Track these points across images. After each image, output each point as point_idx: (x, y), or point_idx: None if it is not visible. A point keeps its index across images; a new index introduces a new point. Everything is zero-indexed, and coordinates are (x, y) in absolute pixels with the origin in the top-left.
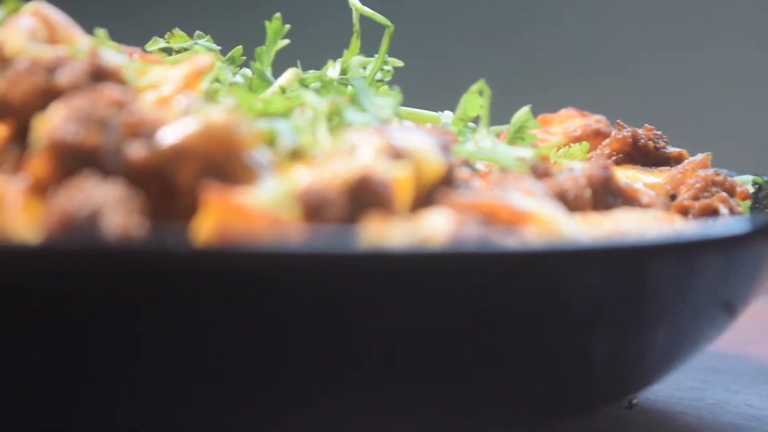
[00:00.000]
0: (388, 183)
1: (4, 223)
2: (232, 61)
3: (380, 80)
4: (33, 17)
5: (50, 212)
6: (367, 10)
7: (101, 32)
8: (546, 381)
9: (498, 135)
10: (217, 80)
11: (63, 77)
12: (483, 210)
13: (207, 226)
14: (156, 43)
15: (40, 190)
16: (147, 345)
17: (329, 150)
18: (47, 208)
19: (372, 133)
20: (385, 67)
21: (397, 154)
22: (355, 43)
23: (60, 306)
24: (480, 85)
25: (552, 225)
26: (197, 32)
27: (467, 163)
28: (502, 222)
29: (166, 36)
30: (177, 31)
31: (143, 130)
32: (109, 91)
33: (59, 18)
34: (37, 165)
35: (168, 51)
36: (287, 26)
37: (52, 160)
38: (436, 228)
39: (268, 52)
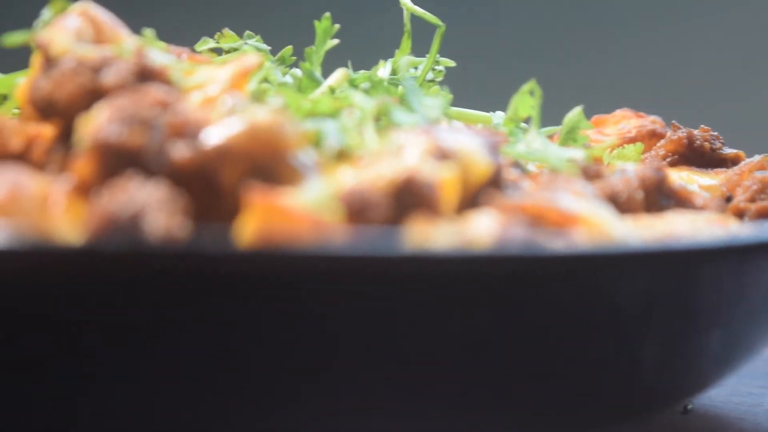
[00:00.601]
0: (433, 184)
1: (48, 223)
2: (282, 61)
3: (431, 80)
4: (80, 17)
5: (93, 213)
6: (418, 10)
7: (149, 32)
8: (595, 386)
9: (552, 136)
10: (266, 80)
11: (108, 77)
12: (530, 212)
13: (250, 227)
14: (206, 43)
15: (85, 190)
16: (189, 348)
17: (376, 151)
18: (90, 208)
19: (419, 133)
20: (437, 67)
21: (443, 155)
22: (406, 42)
23: (101, 307)
24: (531, 85)
25: (601, 227)
26: (247, 32)
27: (517, 165)
28: (551, 224)
29: (215, 36)
30: (227, 31)
31: (187, 131)
32: (154, 91)
33: (106, 18)
34: (81, 165)
35: (218, 51)
36: (336, 26)
37: (95, 160)
38: (481, 230)
39: (317, 52)
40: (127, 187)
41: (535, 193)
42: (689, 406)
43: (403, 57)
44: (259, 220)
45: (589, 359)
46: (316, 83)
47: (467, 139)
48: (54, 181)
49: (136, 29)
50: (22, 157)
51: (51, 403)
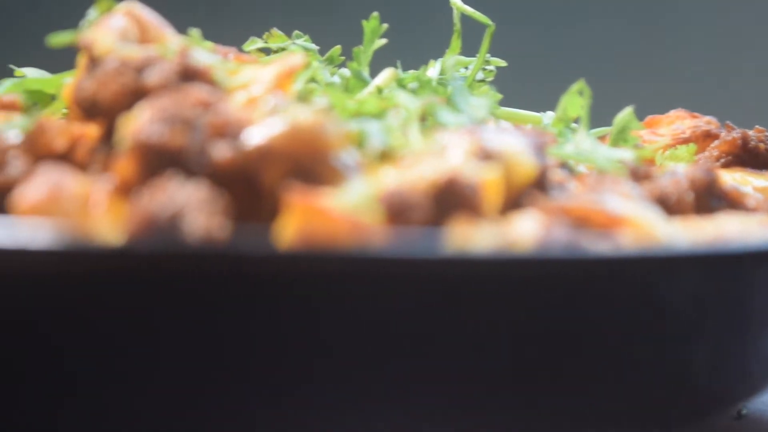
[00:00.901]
0: (475, 186)
1: (88, 223)
2: (330, 60)
3: (482, 80)
4: (125, 17)
5: (132, 213)
6: (468, 9)
7: (195, 32)
8: (645, 391)
9: (604, 137)
10: (313, 80)
11: (151, 77)
12: (576, 214)
13: (290, 228)
14: (254, 43)
15: (126, 190)
16: (227, 349)
17: (419, 151)
18: (130, 208)
19: (463, 134)
20: (488, 67)
21: (487, 156)
22: (456, 42)
23: (139, 309)
24: (580, 85)
25: (648, 229)
26: (295, 32)
27: (565, 166)
28: (596, 226)
29: (264, 36)
30: (275, 31)
31: (229, 131)
32: (196, 91)
33: (151, 17)
34: (123, 165)
35: (266, 51)
36: (385, 25)
37: (136, 160)
38: (523, 232)
39: (365, 52)
40: (167, 188)
41: (581, 195)
42: (743, 411)
43: (453, 57)
44: (299, 221)
45: (637, 364)
46: (364, 83)
47: (512, 139)
48: (95, 181)
49: (184, 29)
50: (66, 157)
51: (86, 403)
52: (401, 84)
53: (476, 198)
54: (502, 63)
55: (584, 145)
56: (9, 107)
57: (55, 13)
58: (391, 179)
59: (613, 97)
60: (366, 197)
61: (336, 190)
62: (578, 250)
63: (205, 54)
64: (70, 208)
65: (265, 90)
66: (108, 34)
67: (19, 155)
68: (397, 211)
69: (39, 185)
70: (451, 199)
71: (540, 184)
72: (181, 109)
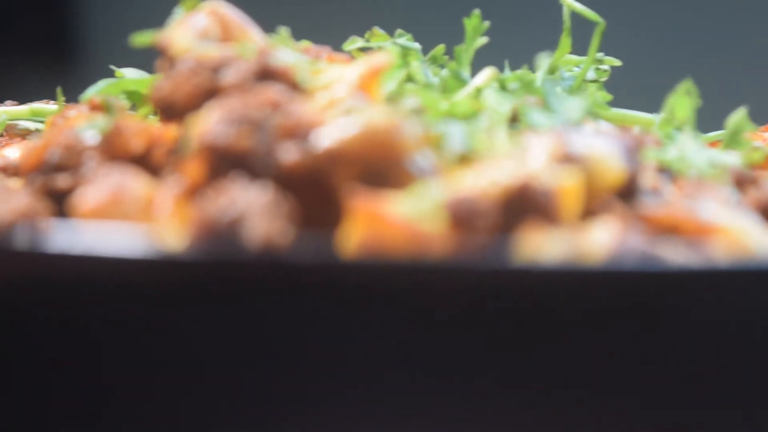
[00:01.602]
0: (550, 192)
1: (154, 227)
2: (433, 60)
3: (594, 80)
4: (208, 16)
5: (193, 217)
6: (578, 6)
7: (283, 31)
8: (732, 413)
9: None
10: (411, 80)
11: (227, 78)
12: (663, 222)
13: (355, 235)
14: (354, 42)
15: (193, 193)
16: (287, 360)
17: (498, 155)
18: (192, 212)
19: (548, 136)
20: (602, 67)
21: (570, 160)
22: (566, 40)
23: (192, 316)
24: (687, 85)
25: (741, 239)
26: (398, 30)
27: (665, 170)
28: (687, 235)
29: (365, 35)
30: (377, 30)
31: (298, 132)
32: (267, 92)
33: (235, 16)
34: (190, 168)
35: (367, 51)
36: (486, 23)
37: (203, 162)
38: (596, 242)
39: (466, 51)
40: (229, 191)
41: (674, 201)
42: None
43: (563, 56)
44: (362, 227)
45: (716, 381)
46: (462, 83)
47: (600, 143)
48: (163, 184)
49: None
50: (143, 158)
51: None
52: (503, 84)
53: (551, 205)
54: (617, 62)
55: (687, 148)
56: (100, 109)
57: (147, 13)
58: (460, 184)
59: (722, 100)
60: (431, 203)
61: (402, 194)
62: (652, 263)
63: (289, 54)
64: (132, 211)
65: (349, 90)
66: (186, 33)
67: (95, 157)
68: (462, 218)
69: (100, 188)
70: (523, 206)
71: (629, 190)
72: (249, 110)
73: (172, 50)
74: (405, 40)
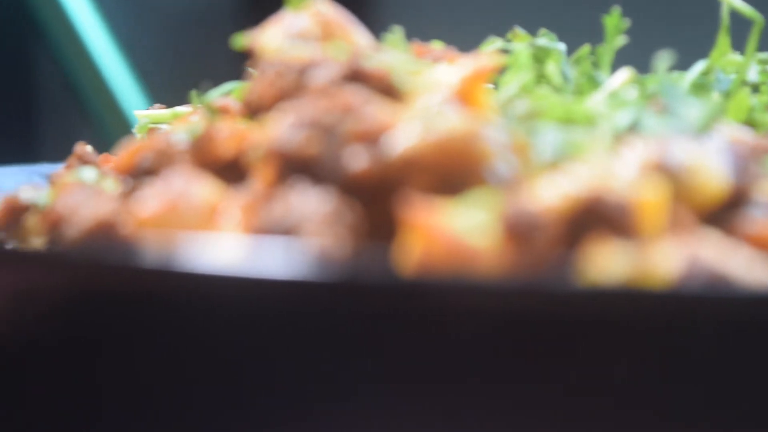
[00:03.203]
0: (626, 206)
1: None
2: (578, 61)
3: (757, 83)
4: (309, 17)
5: (252, 225)
6: (737, 3)
7: (397, 30)
8: None
9: None
10: (545, 80)
11: (313, 80)
12: (762, 240)
13: (414, 249)
14: (492, 43)
15: (263, 200)
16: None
17: (584, 163)
18: (253, 220)
19: (645, 143)
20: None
21: (663, 171)
22: (724, 40)
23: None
24: None
25: None
26: (542, 29)
27: None
28: None
29: (507, 35)
30: (518, 30)
31: (370, 137)
32: (343, 95)
33: (339, 18)
34: (261, 174)
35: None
36: (627, 21)
37: (272, 168)
38: (663, 263)
39: (607, 51)
40: (289, 198)
41: None
42: None
43: (724, 56)
44: (419, 241)
45: None
46: (596, 85)
47: (704, 151)
48: (233, 191)
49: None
50: (232, 163)
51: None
52: (643, 87)
53: (625, 220)
54: None
55: None
56: (221, 111)
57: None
58: (526, 194)
59: None
60: (485, 216)
61: (459, 204)
62: (717, 288)
63: (390, 55)
64: (192, 219)
65: (447, 94)
66: (277, 34)
67: (184, 161)
68: (518, 233)
69: (158, 195)
70: (592, 221)
71: (737, 203)
72: (320, 114)
73: (263, 52)
74: (547, 40)
